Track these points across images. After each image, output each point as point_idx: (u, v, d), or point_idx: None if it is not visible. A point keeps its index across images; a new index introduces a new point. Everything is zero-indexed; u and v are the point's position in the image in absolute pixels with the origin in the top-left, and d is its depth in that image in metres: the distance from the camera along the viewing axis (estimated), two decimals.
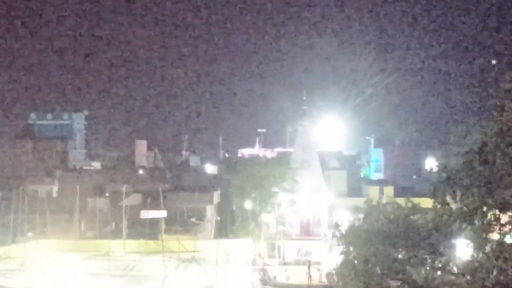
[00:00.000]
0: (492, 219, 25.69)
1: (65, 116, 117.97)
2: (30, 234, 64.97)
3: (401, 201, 31.78)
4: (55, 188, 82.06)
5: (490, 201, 25.35)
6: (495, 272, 24.21)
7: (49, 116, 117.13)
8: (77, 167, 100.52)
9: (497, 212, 25.58)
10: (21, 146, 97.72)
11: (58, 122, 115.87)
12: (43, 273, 46.30)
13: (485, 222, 25.55)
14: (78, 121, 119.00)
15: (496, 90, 25.50)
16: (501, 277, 24.15)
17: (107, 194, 75.33)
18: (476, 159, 26.17)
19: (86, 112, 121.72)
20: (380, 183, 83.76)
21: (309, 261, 59.38)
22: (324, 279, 55.65)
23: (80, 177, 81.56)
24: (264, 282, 56.17)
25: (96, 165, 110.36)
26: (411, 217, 29.36)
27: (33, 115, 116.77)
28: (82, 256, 55.44)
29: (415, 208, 29.89)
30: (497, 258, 24.24)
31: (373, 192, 69.14)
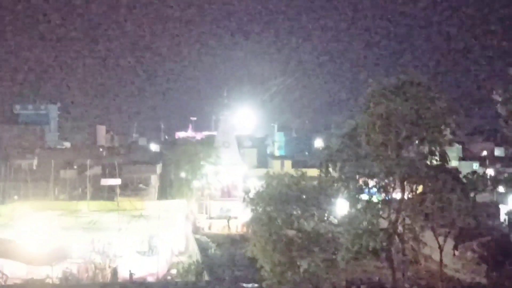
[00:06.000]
0: (363, 184, 30.04)
1: (43, 107, 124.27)
2: (15, 197, 68.16)
3: (297, 171, 32.43)
4: (35, 162, 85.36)
5: (361, 171, 29.24)
6: (365, 223, 27.82)
7: (30, 107, 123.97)
8: (52, 146, 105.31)
9: (366, 179, 29.73)
10: (9, 130, 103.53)
11: (37, 112, 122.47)
12: (26, 227, 47.51)
13: (357, 186, 29.70)
14: (53, 111, 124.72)
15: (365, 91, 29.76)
16: (369, 226, 27.83)
17: (75, 167, 78.05)
18: (350, 140, 30.00)
19: (59, 104, 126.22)
20: (281, 158, 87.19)
21: (229, 216, 62.06)
22: (239, 230, 59.03)
23: (54, 154, 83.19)
24: (194, 231, 58.23)
25: (67, 145, 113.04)
26: (303, 182, 31.12)
27: (17, 106, 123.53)
28: (56, 214, 57.18)
29: (305, 176, 31.51)
30: (366, 213, 28.20)
31: (276, 165, 75.24)
